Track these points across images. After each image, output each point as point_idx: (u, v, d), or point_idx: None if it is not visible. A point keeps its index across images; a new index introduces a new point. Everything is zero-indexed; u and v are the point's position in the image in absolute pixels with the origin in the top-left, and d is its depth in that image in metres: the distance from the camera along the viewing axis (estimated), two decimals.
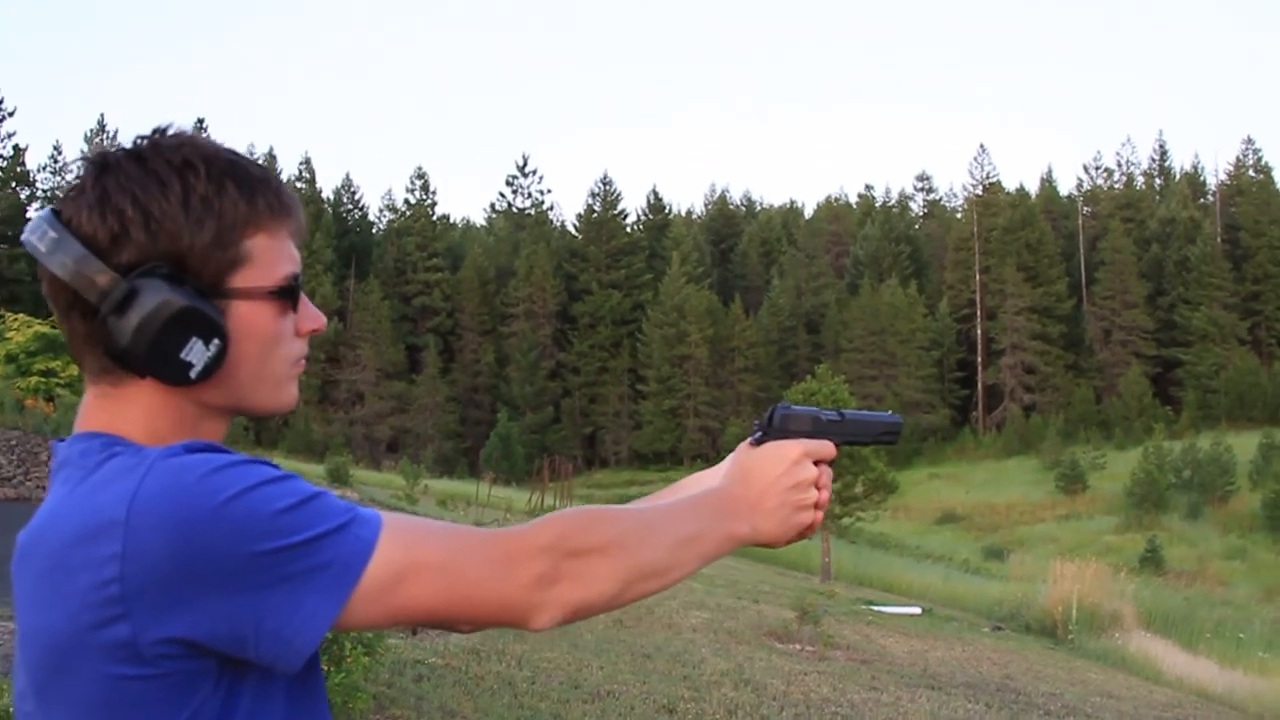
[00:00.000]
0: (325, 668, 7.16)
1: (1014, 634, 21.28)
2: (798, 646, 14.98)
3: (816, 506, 1.63)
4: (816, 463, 1.65)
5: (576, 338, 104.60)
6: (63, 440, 1.41)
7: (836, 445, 1.69)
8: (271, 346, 1.41)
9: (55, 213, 1.36)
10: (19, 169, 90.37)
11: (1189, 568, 47.86)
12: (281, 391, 1.46)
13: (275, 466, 1.28)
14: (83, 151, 1.44)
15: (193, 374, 1.33)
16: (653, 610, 16.58)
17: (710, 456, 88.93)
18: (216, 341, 1.33)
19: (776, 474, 1.60)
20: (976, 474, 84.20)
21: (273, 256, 1.39)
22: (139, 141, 1.38)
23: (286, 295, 1.40)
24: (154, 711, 1.23)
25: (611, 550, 1.39)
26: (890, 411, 1.89)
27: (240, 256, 1.36)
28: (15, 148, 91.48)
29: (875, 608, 22.48)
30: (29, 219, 1.35)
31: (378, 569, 1.25)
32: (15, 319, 32.94)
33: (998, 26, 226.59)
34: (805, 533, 1.64)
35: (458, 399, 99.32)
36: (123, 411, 1.37)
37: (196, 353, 1.32)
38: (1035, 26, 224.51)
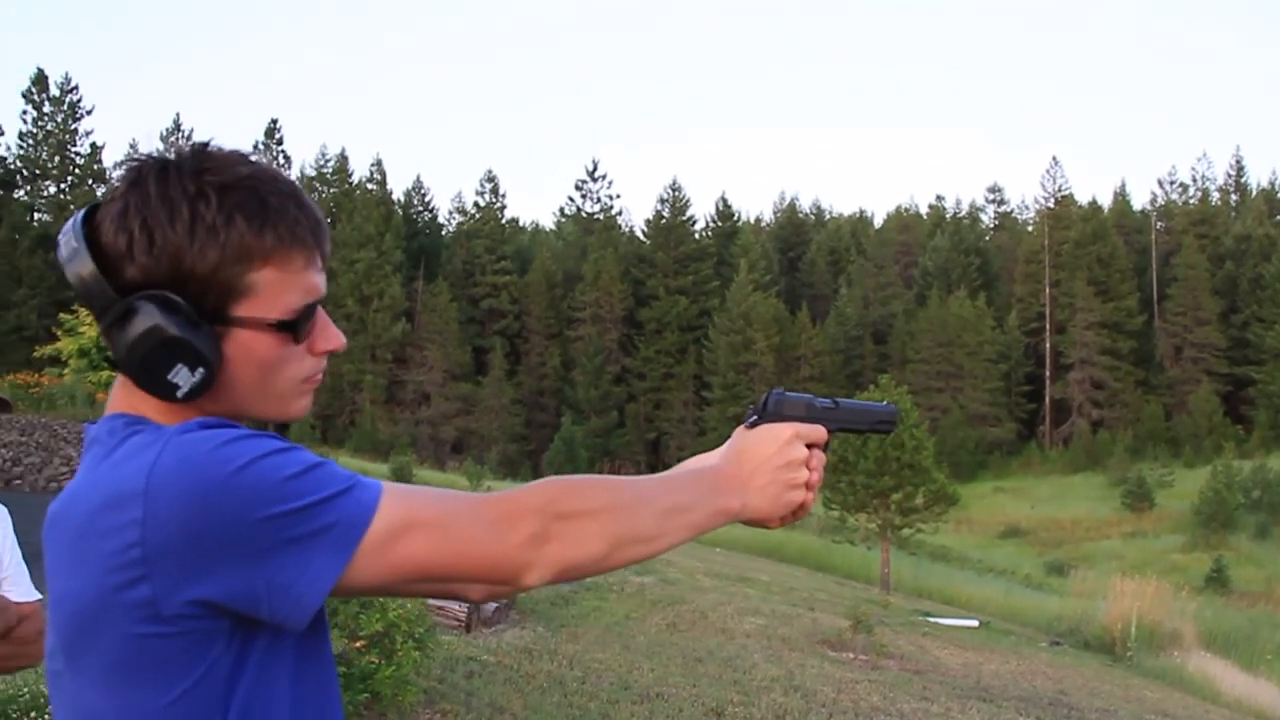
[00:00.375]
0: (376, 661, 7.32)
1: (1072, 649, 21.14)
2: (850, 655, 14.99)
3: (807, 487, 1.71)
4: (809, 446, 1.73)
5: (642, 343, 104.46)
6: (94, 423, 1.51)
7: (830, 431, 1.77)
8: (271, 370, 1.48)
9: (89, 215, 1.45)
10: (96, 166, 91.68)
11: (1255, 588, 47.15)
12: (287, 406, 1.53)
13: (281, 439, 1.37)
14: (131, 153, 1.58)
15: (179, 395, 1.42)
16: (706, 615, 16.65)
17: None
18: (201, 370, 1.41)
19: (768, 454, 1.69)
20: (1042, 489, 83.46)
21: (279, 289, 1.45)
22: (178, 155, 1.45)
23: (289, 328, 1.47)
24: (173, 668, 1.34)
25: (601, 515, 1.45)
26: (886, 402, 1.96)
27: (243, 287, 1.43)
28: (93, 145, 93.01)
29: (932, 619, 22.41)
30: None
31: (379, 527, 1.35)
32: (87, 314, 33.43)
33: (1074, 40, 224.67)
34: (798, 512, 1.73)
35: (523, 401, 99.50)
36: (142, 397, 1.46)
37: (182, 377, 1.41)
38: (1112, 40, 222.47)
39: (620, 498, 1.50)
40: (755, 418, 1.76)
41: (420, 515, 1.39)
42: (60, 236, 1.46)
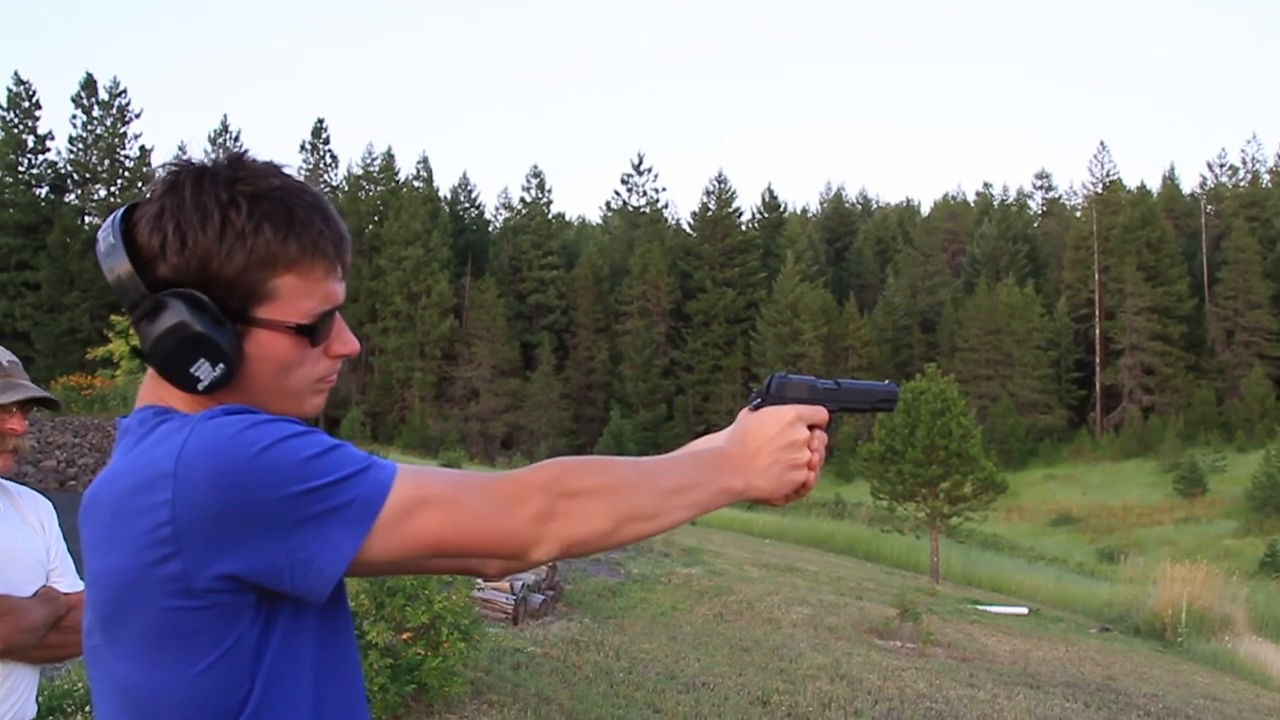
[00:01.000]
0: (422, 652, 7.41)
1: (1122, 636, 21.04)
2: (898, 643, 14.99)
3: (809, 467, 1.79)
4: (811, 427, 1.81)
5: (690, 335, 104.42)
6: (125, 416, 1.62)
7: (831, 411, 1.84)
8: (288, 370, 1.59)
9: (127, 214, 1.56)
10: (145, 169, 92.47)
11: None
12: (300, 404, 1.64)
13: (301, 424, 1.47)
14: (179, 155, 1.70)
15: (200, 387, 1.52)
16: (753, 605, 16.69)
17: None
18: (222, 366, 1.51)
19: (770, 434, 1.76)
20: (1093, 475, 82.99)
21: (299, 295, 1.56)
22: (215, 163, 1.57)
23: (306, 332, 1.58)
24: (203, 639, 1.43)
25: (605, 492, 1.53)
26: (888, 381, 2.02)
27: (266, 291, 1.53)
28: (141, 148, 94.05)
29: (981, 607, 22.35)
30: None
31: (393, 504, 1.43)
32: None
33: (1121, 22, 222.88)
34: (800, 491, 1.80)
35: (571, 396, 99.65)
36: (168, 389, 1.58)
37: (204, 371, 1.51)
38: (1159, 23, 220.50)
39: (624, 476, 1.57)
40: (759, 400, 1.82)
41: (432, 493, 1.46)
42: (99, 233, 1.57)
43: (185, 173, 1.55)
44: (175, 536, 1.38)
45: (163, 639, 1.44)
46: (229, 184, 1.53)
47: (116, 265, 1.52)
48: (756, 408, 1.81)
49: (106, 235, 1.55)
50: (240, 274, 1.51)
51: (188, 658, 1.44)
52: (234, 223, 1.51)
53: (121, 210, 1.58)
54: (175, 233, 1.50)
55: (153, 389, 1.61)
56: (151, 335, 1.51)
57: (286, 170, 1.61)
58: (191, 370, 1.51)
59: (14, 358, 3.07)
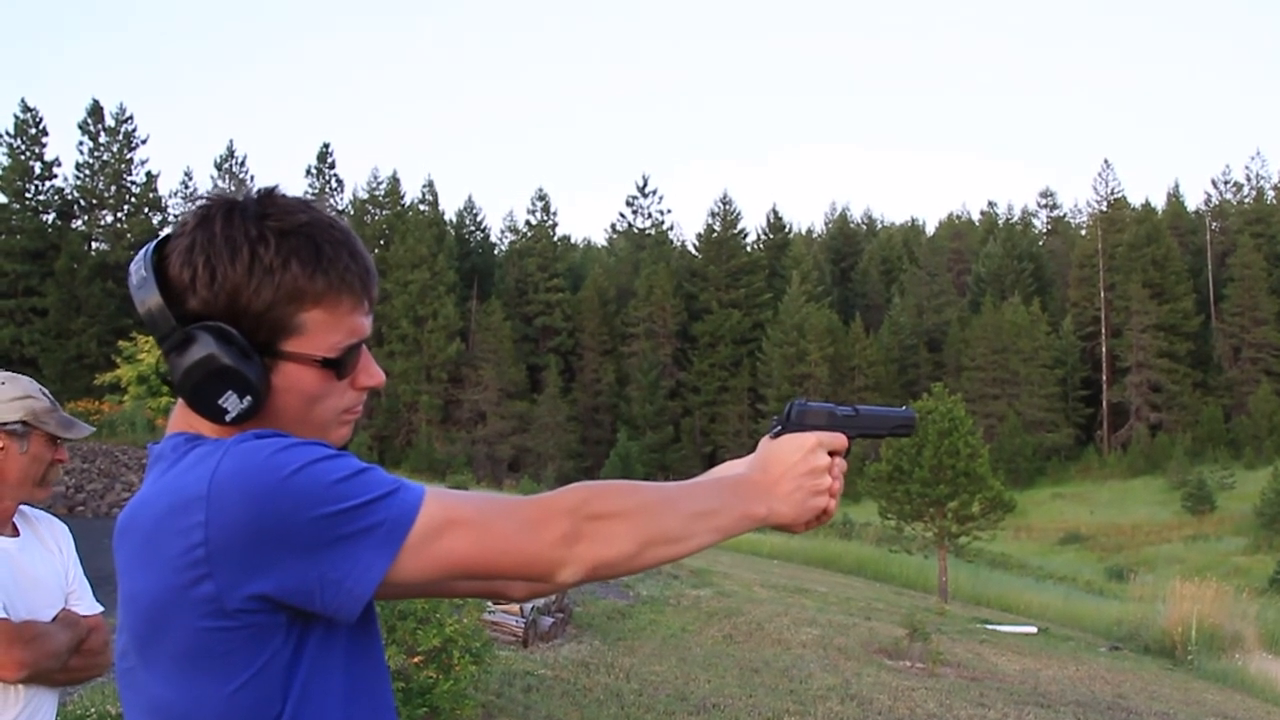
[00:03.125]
0: (433, 675, 7.44)
1: (1132, 654, 21.00)
2: (907, 663, 14.99)
3: (830, 494, 1.81)
4: (831, 453, 1.83)
5: (696, 357, 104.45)
6: (157, 443, 1.66)
7: (850, 438, 1.87)
8: (314, 402, 1.62)
9: (159, 246, 1.60)
10: (151, 194, 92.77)
11: None
12: (326, 435, 1.66)
13: (331, 447, 1.51)
14: (213, 188, 1.75)
15: (227, 419, 1.55)
16: (763, 626, 16.70)
17: None
18: (249, 398, 1.54)
19: (792, 461, 1.79)
20: (1101, 494, 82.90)
21: (326, 329, 1.59)
22: (245, 199, 1.61)
23: (333, 365, 1.61)
24: (236, 659, 1.46)
25: (630, 516, 1.56)
26: (905, 407, 2.05)
27: (294, 325, 1.57)
28: (148, 174, 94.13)
29: (990, 626, 22.32)
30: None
31: (422, 526, 1.46)
32: (146, 341, 33.78)
33: (1124, 40, 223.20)
34: (821, 518, 1.83)
35: (578, 418, 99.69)
36: (199, 418, 1.60)
37: (231, 403, 1.54)
38: (1163, 39, 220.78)
39: (649, 500, 1.60)
40: (779, 428, 1.85)
41: (460, 515, 1.49)
42: (131, 265, 1.61)
43: (216, 207, 1.59)
44: (209, 558, 1.41)
45: (196, 659, 1.46)
46: (258, 219, 1.56)
47: (148, 298, 1.56)
48: (777, 435, 1.84)
49: (139, 268, 1.58)
50: (268, 308, 1.55)
51: (221, 678, 1.46)
52: (262, 258, 1.54)
53: (154, 243, 1.62)
54: (205, 267, 1.54)
55: (183, 417, 1.64)
56: (181, 367, 1.54)
57: (316, 206, 1.65)
58: (219, 402, 1.54)
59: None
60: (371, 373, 1.70)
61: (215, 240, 1.54)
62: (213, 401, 1.54)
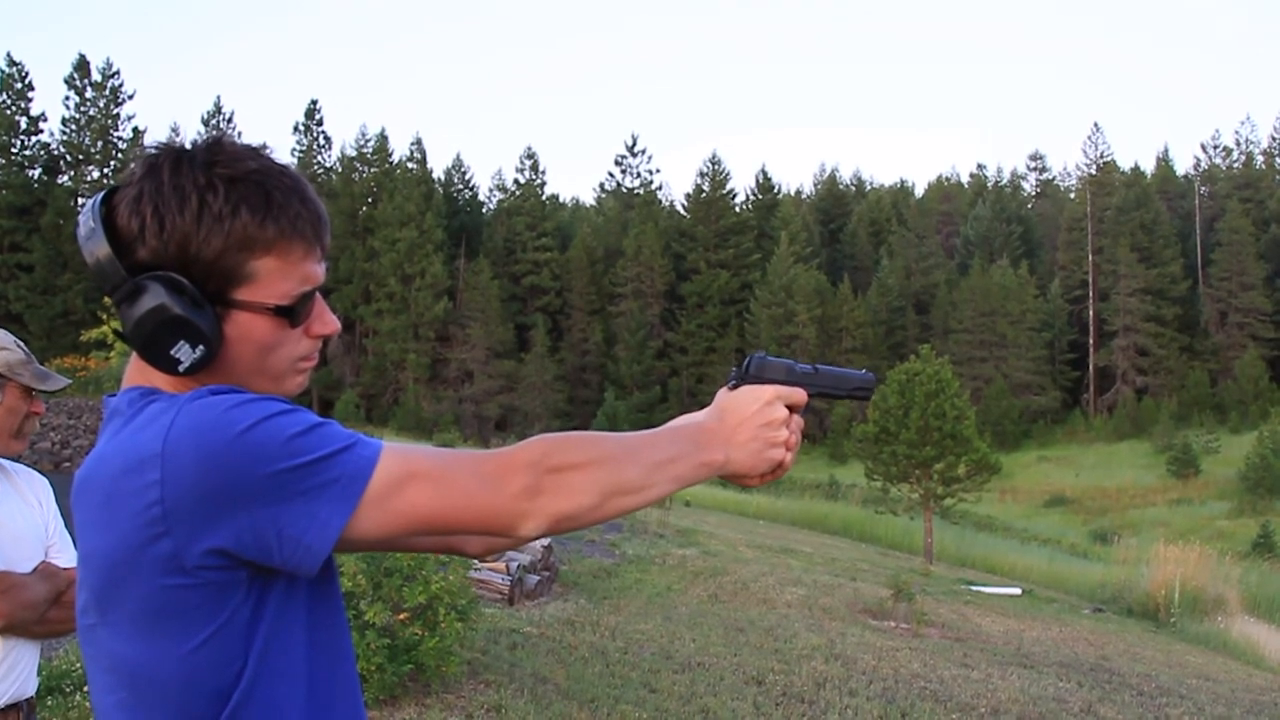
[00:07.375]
0: (419, 633, 7.44)
1: (1115, 616, 21.12)
2: (892, 624, 15.06)
3: (786, 446, 1.79)
4: (790, 409, 1.81)
5: (684, 317, 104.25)
6: (114, 395, 1.65)
7: (809, 395, 1.85)
8: (268, 351, 1.61)
9: (107, 197, 1.58)
10: (138, 150, 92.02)
11: None
12: (281, 384, 1.66)
13: (287, 402, 1.50)
14: (171, 137, 1.71)
15: (180, 369, 1.54)
16: (748, 586, 16.75)
17: (817, 437, 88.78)
18: (202, 347, 1.53)
19: (750, 411, 1.77)
20: (1087, 457, 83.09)
21: (278, 277, 1.57)
22: (193, 147, 1.58)
23: (286, 313, 1.59)
24: (197, 615, 1.46)
25: (590, 467, 1.53)
26: (865, 370, 2.01)
27: (245, 273, 1.55)
28: (135, 130, 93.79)
29: (974, 588, 22.44)
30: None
31: (379, 480, 1.44)
32: None
33: (1114, 4, 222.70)
34: (777, 471, 1.81)
35: (566, 378, 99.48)
36: (154, 371, 1.59)
37: (184, 353, 1.53)
38: (1153, 3, 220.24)
39: (609, 451, 1.58)
40: (735, 381, 1.84)
41: (419, 469, 1.47)
42: (80, 217, 1.59)
43: (164, 156, 1.56)
44: (165, 516, 1.41)
45: (156, 617, 1.46)
46: (206, 167, 1.54)
47: (96, 249, 1.54)
48: (734, 387, 1.83)
49: (86, 219, 1.56)
50: (218, 256, 1.53)
51: (181, 635, 1.46)
52: (211, 206, 1.52)
53: (101, 194, 1.60)
54: (153, 216, 1.52)
55: (139, 370, 1.63)
56: (132, 318, 1.53)
57: (265, 153, 1.62)
58: (172, 352, 1.53)
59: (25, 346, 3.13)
60: (325, 320, 1.68)
61: (163, 189, 1.53)
62: (165, 352, 1.53)
